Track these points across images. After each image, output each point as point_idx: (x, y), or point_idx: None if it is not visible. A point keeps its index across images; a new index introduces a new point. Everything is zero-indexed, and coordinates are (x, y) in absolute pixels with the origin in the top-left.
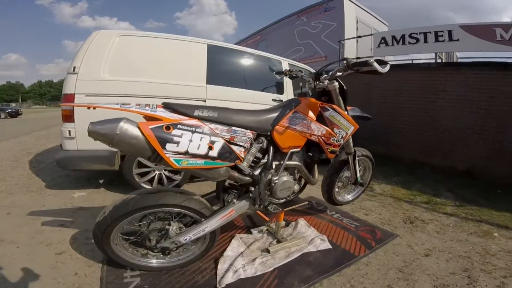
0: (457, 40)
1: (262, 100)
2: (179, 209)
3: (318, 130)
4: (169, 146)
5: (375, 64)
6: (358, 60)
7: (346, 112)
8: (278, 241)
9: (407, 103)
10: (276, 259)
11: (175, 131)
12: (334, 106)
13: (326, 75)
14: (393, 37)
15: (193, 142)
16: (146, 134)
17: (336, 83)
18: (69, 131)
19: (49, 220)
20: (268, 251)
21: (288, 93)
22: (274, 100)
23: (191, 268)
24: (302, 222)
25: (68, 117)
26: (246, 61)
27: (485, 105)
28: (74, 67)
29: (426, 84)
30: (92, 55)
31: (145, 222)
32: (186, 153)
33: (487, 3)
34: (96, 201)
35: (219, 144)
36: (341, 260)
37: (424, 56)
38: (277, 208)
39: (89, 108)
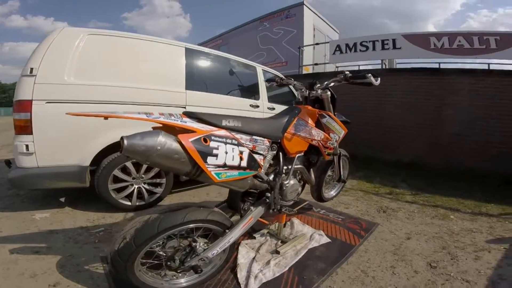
0: (400, 48)
1: (241, 106)
2: (204, 224)
3: (318, 135)
4: (209, 159)
5: (372, 78)
6: (356, 74)
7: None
8: (283, 242)
9: (359, 106)
10: (288, 259)
11: (212, 143)
12: (330, 113)
13: (320, 85)
14: (347, 45)
15: (228, 154)
16: (187, 147)
17: (329, 92)
18: (26, 145)
19: (17, 248)
20: (278, 252)
21: (263, 99)
22: (251, 105)
23: (212, 282)
24: (296, 221)
25: (24, 128)
26: (224, 66)
27: (422, 106)
28: (32, 69)
29: (374, 88)
30: (54, 55)
31: (160, 242)
32: (224, 165)
33: (416, 10)
34: (66, 222)
35: (246, 153)
36: (343, 251)
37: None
38: (291, 210)
39: (106, 118)
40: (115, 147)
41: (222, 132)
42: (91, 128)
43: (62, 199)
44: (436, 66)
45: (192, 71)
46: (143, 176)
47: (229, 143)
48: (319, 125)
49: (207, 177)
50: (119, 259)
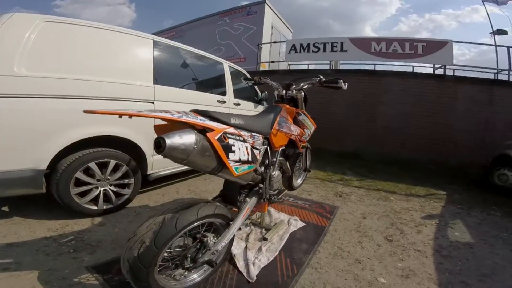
0: (346, 51)
1: (209, 101)
2: (213, 218)
3: (295, 130)
4: (230, 155)
5: (342, 84)
6: (329, 79)
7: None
8: (266, 229)
9: (309, 104)
10: (275, 244)
11: (229, 140)
12: (304, 111)
13: (295, 86)
14: (301, 45)
15: (241, 149)
16: (215, 145)
17: (303, 93)
18: None
19: None
20: (265, 239)
21: (229, 94)
22: (218, 101)
23: (216, 275)
24: (272, 209)
25: None
26: (192, 61)
27: (361, 103)
28: None
29: (322, 87)
30: (2, 44)
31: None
32: (239, 160)
33: (358, 13)
34: (23, 233)
35: (249, 149)
36: (318, 232)
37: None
38: (281, 198)
39: (130, 116)
40: (75, 147)
41: (232, 130)
42: (47, 127)
43: (6, 208)
44: (378, 68)
45: (160, 65)
46: (108, 177)
47: (239, 140)
48: (295, 121)
49: (228, 172)
50: (140, 265)
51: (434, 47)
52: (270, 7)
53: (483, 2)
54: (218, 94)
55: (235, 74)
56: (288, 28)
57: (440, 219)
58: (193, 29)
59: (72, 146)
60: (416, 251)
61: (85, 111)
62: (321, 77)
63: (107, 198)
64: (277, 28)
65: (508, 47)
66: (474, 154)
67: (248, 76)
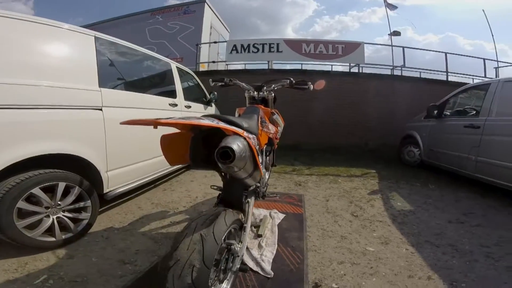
0: (281, 51)
1: (162, 105)
2: (235, 224)
3: (272, 129)
4: (259, 158)
5: (310, 86)
6: (299, 81)
7: None
8: (255, 226)
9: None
10: (270, 238)
11: (252, 144)
12: (277, 110)
13: (266, 87)
14: (242, 46)
15: (258, 151)
16: (253, 148)
17: (273, 94)
18: None
19: None
20: (260, 235)
21: (180, 97)
22: (170, 104)
23: (237, 281)
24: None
25: None
26: (139, 61)
27: (298, 100)
28: None
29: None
30: None
31: None
32: (261, 161)
33: (281, 13)
34: None
35: (259, 149)
36: (299, 219)
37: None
38: (275, 194)
39: (164, 125)
40: (13, 170)
41: (246, 133)
42: None
43: None
44: (310, 67)
45: (105, 66)
46: (59, 203)
47: (255, 142)
48: (271, 121)
49: (258, 173)
50: None
51: (351, 48)
52: (209, 7)
53: (385, 6)
54: (168, 97)
55: (183, 75)
56: (225, 28)
57: (381, 193)
58: (116, 27)
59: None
60: (379, 222)
61: (122, 123)
62: (292, 79)
63: (64, 225)
64: (216, 28)
65: (403, 47)
66: (386, 137)
67: (195, 77)
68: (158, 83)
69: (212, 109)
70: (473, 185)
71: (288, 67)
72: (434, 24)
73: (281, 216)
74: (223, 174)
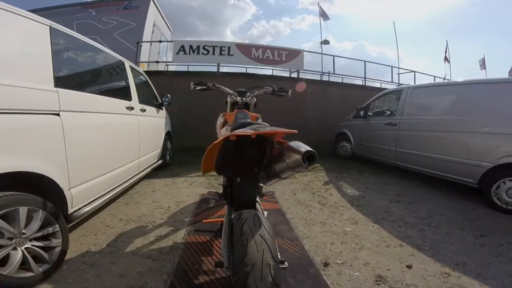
0: (232, 55)
1: (119, 109)
2: None
3: None
4: None
5: (289, 93)
6: (280, 89)
7: None
8: None
9: (198, 105)
10: None
11: None
12: (259, 115)
13: (250, 93)
14: (191, 47)
15: None
16: None
17: (255, 99)
18: None
19: None
20: None
21: (135, 99)
22: (127, 108)
23: None
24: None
25: None
26: (96, 58)
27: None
28: None
29: (211, 92)
30: None
31: None
32: None
33: (221, 15)
34: None
35: None
36: (280, 214)
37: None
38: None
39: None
40: None
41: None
42: None
43: None
44: (251, 71)
45: (62, 62)
46: (24, 231)
47: None
48: None
49: None
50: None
51: (293, 55)
52: (155, 4)
53: (320, 16)
54: (124, 99)
55: (135, 75)
56: (168, 27)
57: (333, 183)
58: None
59: None
60: (342, 207)
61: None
62: (274, 86)
63: (36, 256)
64: (159, 27)
65: (334, 56)
66: (322, 134)
67: (146, 77)
68: (113, 84)
69: (163, 113)
70: (395, 171)
71: (234, 70)
72: (350, 32)
73: (265, 213)
74: (233, 179)
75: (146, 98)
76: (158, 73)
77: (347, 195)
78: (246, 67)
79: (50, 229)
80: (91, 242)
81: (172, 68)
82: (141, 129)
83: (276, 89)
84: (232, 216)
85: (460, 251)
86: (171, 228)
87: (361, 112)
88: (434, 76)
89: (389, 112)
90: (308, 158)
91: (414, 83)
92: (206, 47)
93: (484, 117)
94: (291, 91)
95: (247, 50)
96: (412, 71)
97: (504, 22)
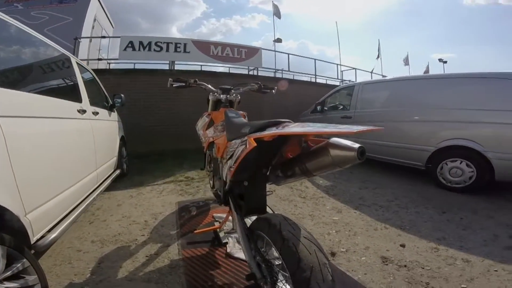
0: (189, 52)
1: (70, 112)
2: None
3: None
4: None
5: (274, 90)
6: (266, 86)
7: None
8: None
9: (154, 105)
10: None
11: None
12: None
13: (234, 91)
14: (141, 43)
15: None
16: None
17: (239, 97)
18: None
19: None
20: None
21: (86, 101)
22: (79, 111)
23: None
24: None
25: None
26: (37, 52)
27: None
28: None
29: (165, 87)
30: None
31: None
32: None
33: (167, 13)
34: None
35: None
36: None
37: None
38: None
39: None
40: None
41: None
42: None
43: None
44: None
45: None
46: None
47: None
48: None
49: None
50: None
51: (252, 53)
52: None
53: (273, 14)
54: (74, 101)
55: (83, 73)
56: (110, 22)
57: None
58: None
59: None
60: (321, 197)
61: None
62: (261, 83)
63: None
64: (100, 22)
65: (288, 54)
66: None
67: (94, 75)
68: (60, 83)
69: (115, 116)
70: None
71: (188, 68)
72: (294, 31)
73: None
74: (238, 182)
75: (97, 99)
76: (103, 71)
77: (321, 186)
78: (201, 65)
79: (19, 266)
80: (69, 272)
81: (115, 66)
82: (96, 135)
83: (262, 86)
84: (250, 223)
85: (434, 227)
86: (160, 244)
87: (318, 107)
88: (371, 72)
89: (341, 107)
90: (361, 153)
91: (355, 79)
92: (159, 44)
93: (415, 109)
94: (276, 87)
95: (205, 47)
96: (354, 68)
97: (422, 22)
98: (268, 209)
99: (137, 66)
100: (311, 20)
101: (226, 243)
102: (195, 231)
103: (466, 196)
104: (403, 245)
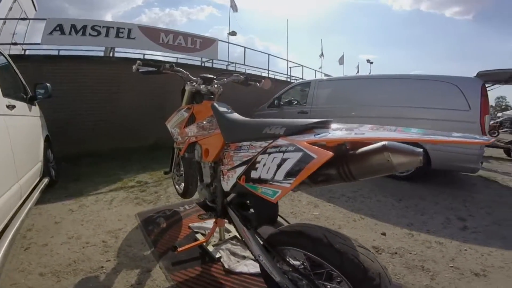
0: (134, 38)
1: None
2: None
3: None
4: None
5: (259, 84)
6: (251, 77)
7: None
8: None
9: (84, 97)
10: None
11: None
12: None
13: (217, 81)
14: (73, 26)
15: None
16: None
17: (221, 88)
18: None
19: None
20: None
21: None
22: (8, 106)
23: None
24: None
25: None
26: None
27: (154, 93)
28: None
29: (106, 76)
30: None
31: None
32: None
33: None
34: None
35: None
36: None
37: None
38: None
39: None
40: None
41: None
42: None
43: None
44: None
45: None
46: None
47: None
48: None
49: None
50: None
51: (207, 43)
52: None
53: (230, 7)
54: None
55: None
56: (34, 4)
57: None
58: None
59: None
60: (294, 193)
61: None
62: (247, 74)
63: None
64: (21, 2)
65: (245, 48)
66: None
67: (10, 61)
68: None
69: (37, 110)
70: None
71: (132, 56)
72: (244, 26)
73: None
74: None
75: (12, 89)
76: (19, 57)
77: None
78: (144, 54)
79: None
80: None
81: (33, 53)
82: (13, 136)
83: (249, 78)
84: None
85: (399, 214)
86: (137, 270)
87: (275, 102)
88: (315, 70)
89: (296, 102)
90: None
91: (302, 76)
92: (96, 28)
93: (356, 106)
94: (263, 80)
95: (154, 34)
96: (301, 65)
97: (355, 24)
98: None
99: (62, 53)
100: (260, 17)
101: (220, 257)
102: (179, 250)
103: (410, 183)
104: (384, 234)
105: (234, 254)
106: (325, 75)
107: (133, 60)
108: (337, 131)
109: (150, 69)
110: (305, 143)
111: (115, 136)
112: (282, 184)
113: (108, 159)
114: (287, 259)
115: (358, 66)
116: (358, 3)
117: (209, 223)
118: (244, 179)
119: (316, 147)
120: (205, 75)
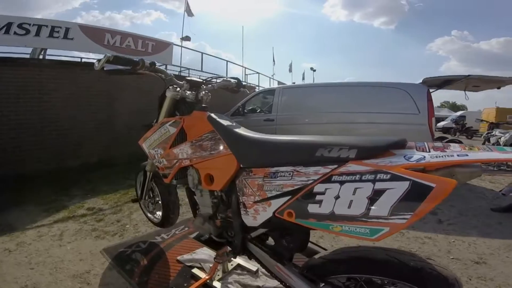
0: (72, 39)
1: None
2: None
3: None
4: None
5: (249, 91)
6: (241, 83)
7: None
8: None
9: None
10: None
11: None
12: None
13: (206, 87)
14: None
15: None
16: None
17: (210, 95)
18: None
19: None
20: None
21: None
22: None
23: None
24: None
25: None
26: None
27: (94, 102)
28: None
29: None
30: None
31: None
32: None
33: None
34: None
35: None
36: None
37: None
38: None
39: None
40: None
41: None
42: None
43: None
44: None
45: None
46: None
47: None
48: None
49: None
50: None
51: (161, 47)
52: None
53: (185, 11)
54: None
55: None
56: None
57: None
58: None
59: None
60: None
61: None
62: (238, 79)
63: None
64: None
65: (202, 53)
66: None
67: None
68: None
69: None
70: None
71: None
72: (196, 31)
73: None
74: None
75: None
76: None
77: None
78: (82, 58)
79: None
80: None
81: None
82: None
83: (241, 85)
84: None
85: None
86: None
87: (239, 109)
88: (270, 77)
89: (259, 110)
90: None
91: (258, 83)
92: (24, 26)
93: (309, 112)
94: (254, 88)
95: (98, 35)
96: (257, 72)
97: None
98: None
99: None
100: (212, 24)
101: None
102: None
103: None
104: None
105: (246, 286)
106: (279, 82)
107: (69, 65)
108: (430, 153)
109: (121, 67)
110: (403, 169)
111: (49, 154)
112: (389, 220)
113: (39, 182)
114: None
115: (303, 74)
116: (301, 13)
117: (200, 253)
118: (293, 215)
119: (426, 174)
120: (192, 78)
